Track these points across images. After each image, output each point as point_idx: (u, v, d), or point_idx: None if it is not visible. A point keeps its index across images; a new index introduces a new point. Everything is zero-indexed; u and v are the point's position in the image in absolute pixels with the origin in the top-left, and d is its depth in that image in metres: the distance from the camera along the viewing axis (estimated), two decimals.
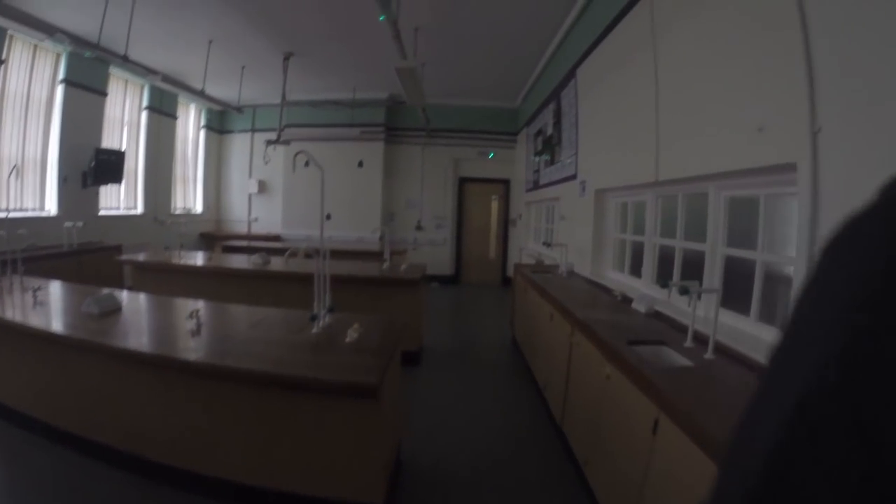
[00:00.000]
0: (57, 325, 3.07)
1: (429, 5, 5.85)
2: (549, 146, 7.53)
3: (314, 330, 2.95)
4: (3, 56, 6.18)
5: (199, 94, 8.10)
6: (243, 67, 8.49)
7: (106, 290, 3.69)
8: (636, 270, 4.53)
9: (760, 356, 2.45)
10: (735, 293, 3.02)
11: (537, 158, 8.43)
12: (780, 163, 2.38)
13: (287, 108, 9.99)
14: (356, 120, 10.25)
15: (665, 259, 4.00)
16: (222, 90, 9.38)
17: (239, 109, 9.38)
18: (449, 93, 10.06)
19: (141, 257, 6.19)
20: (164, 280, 5.79)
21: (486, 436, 3.76)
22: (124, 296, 3.81)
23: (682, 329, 3.06)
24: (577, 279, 5.43)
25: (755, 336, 2.78)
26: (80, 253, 6.79)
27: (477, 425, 3.94)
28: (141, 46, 7.18)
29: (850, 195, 1.96)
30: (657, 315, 3.51)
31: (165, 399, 2.77)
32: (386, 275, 5.37)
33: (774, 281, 2.79)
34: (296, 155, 3.23)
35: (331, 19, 6.38)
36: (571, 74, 6.19)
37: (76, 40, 6.16)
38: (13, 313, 3.24)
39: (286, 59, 7.93)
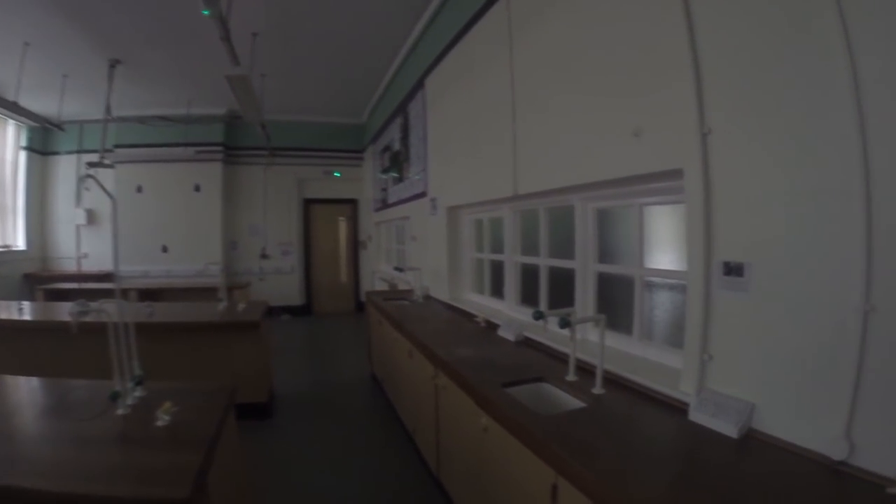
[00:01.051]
0: None
1: (264, 7, 5.13)
2: (397, 162, 7.10)
3: (120, 411, 2.11)
4: None
5: (12, 108, 6.43)
6: (65, 76, 6.92)
7: None
8: (499, 292, 4.19)
9: (648, 379, 2.17)
10: (611, 309, 2.73)
11: (385, 176, 7.97)
12: (662, 170, 2.11)
13: (117, 126, 8.49)
14: (191, 138, 8.93)
15: (530, 275, 3.68)
16: (42, 103, 7.57)
17: (60, 126, 7.62)
18: (292, 108, 9.22)
19: None
20: None
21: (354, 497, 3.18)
22: None
23: (559, 357, 2.72)
24: (434, 305, 4.99)
25: (641, 357, 2.50)
26: None
27: (343, 485, 3.31)
28: None
29: (745, 201, 1.73)
30: (528, 342, 3.14)
31: None
32: (221, 319, 4.46)
33: (654, 293, 2.55)
34: (81, 178, 2.31)
35: (159, 20, 5.33)
36: (420, 85, 5.81)
37: None
38: None
39: (112, 66, 6.61)
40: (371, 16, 5.43)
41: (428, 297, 5.33)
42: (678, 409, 1.94)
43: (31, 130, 8.99)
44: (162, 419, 1.97)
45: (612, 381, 2.29)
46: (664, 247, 2.48)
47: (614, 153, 2.40)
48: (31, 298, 7.38)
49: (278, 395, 5.01)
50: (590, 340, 2.79)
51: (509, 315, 3.74)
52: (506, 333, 3.31)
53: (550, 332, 2.86)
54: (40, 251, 9.44)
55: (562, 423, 1.89)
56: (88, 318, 2.07)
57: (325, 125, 10.15)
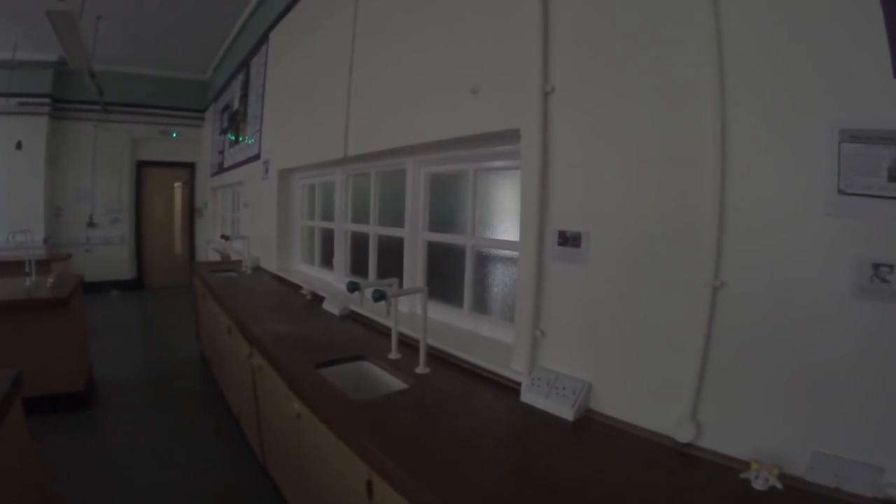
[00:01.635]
0: None
1: None
2: (235, 123, 6.22)
3: None
4: None
5: None
6: None
7: None
8: (329, 262, 3.73)
9: (478, 356, 1.89)
10: (448, 282, 2.44)
11: (222, 137, 7.02)
12: (498, 129, 1.83)
13: None
14: (14, 88, 7.04)
15: (363, 245, 3.28)
16: None
17: None
18: (130, 59, 7.67)
19: None
20: None
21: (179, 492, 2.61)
22: None
23: (384, 331, 2.35)
24: (263, 276, 4.36)
25: (473, 332, 2.22)
26: None
27: (168, 479, 2.71)
28: None
29: (587, 167, 1.50)
30: (354, 316, 2.75)
31: None
32: (16, 297, 3.37)
33: (488, 264, 2.28)
34: None
35: None
36: (264, 38, 5.04)
37: None
38: None
39: None
40: None
41: (257, 269, 4.69)
42: (510, 389, 1.67)
43: None
44: None
45: (438, 357, 1.98)
46: (507, 217, 2.22)
47: (449, 113, 2.09)
48: None
49: (100, 381, 4.07)
50: (419, 314, 2.47)
51: (337, 287, 3.31)
52: (331, 307, 2.87)
53: (373, 305, 2.51)
54: None
55: (378, 410, 1.53)
56: None
57: (165, 80, 8.63)
